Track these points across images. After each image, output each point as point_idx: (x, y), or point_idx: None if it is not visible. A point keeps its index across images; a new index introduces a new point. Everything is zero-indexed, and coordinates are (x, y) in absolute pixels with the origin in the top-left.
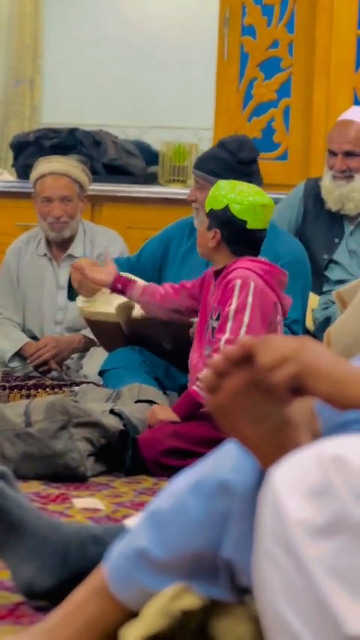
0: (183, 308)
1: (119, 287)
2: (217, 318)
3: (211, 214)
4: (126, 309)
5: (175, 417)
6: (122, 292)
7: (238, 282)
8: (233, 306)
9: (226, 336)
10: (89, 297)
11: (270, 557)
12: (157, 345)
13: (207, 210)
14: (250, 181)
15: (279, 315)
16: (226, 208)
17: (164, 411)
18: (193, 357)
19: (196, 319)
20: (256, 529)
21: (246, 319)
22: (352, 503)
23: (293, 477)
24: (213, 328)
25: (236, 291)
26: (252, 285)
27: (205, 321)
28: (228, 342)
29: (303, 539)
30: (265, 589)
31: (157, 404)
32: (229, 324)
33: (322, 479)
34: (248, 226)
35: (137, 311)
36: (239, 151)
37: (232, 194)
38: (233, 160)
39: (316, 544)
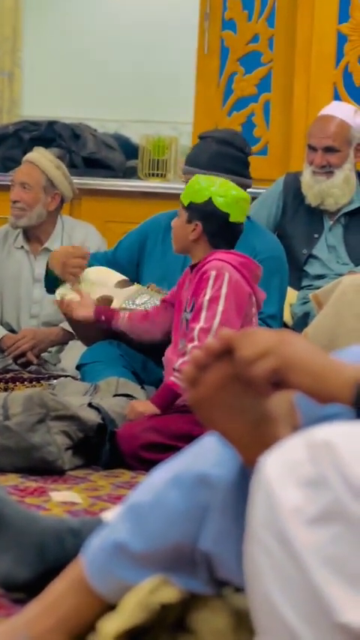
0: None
1: (103, 319)
2: (191, 310)
3: (192, 207)
4: (105, 301)
5: (154, 410)
6: (107, 322)
7: (213, 272)
8: (207, 296)
9: (200, 324)
10: (78, 267)
11: (262, 545)
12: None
13: (185, 204)
14: (249, 175)
15: (254, 307)
16: (209, 201)
17: (143, 404)
18: (168, 351)
19: None
20: (247, 518)
21: (220, 308)
22: (344, 491)
23: (285, 466)
24: (187, 320)
25: (210, 282)
26: (226, 275)
27: (179, 316)
28: (202, 330)
29: (296, 527)
30: (258, 578)
31: (135, 398)
32: (203, 314)
33: (314, 467)
34: (231, 219)
35: (116, 305)
36: (245, 146)
37: (214, 187)
38: (243, 155)
39: (310, 533)
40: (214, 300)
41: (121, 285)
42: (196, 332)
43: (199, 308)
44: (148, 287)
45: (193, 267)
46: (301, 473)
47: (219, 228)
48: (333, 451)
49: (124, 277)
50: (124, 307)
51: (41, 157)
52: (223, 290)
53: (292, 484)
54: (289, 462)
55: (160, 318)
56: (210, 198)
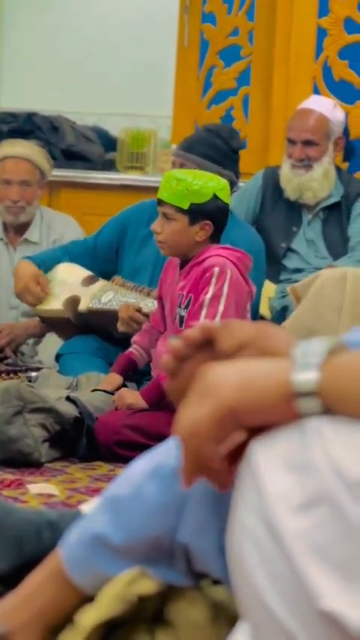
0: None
1: (128, 372)
2: (187, 307)
3: (195, 209)
4: (73, 302)
5: (143, 404)
6: (135, 369)
7: (216, 270)
8: (209, 294)
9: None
10: (33, 303)
11: (248, 531)
12: (107, 333)
13: (186, 207)
14: (236, 170)
15: (249, 302)
16: (214, 197)
17: (133, 396)
18: (159, 344)
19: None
20: (232, 504)
21: (221, 307)
22: (332, 478)
23: (273, 451)
24: (181, 317)
25: (214, 279)
26: (229, 273)
27: (171, 311)
28: None
29: (282, 513)
30: (242, 563)
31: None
32: (203, 312)
33: (302, 453)
34: (229, 208)
35: (83, 305)
36: (231, 139)
37: (211, 182)
38: (227, 147)
39: (296, 519)
40: (215, 298)
41: (87, 282)
42: None
43: (199, 305)
44: (112, 281)
45: (182, 262)
46: (289, 459)
47: (224, 221)
48: (322, 437)
49: (89, 273)
50: (91, 307)
51: (31, 151)
52: (225, 288)
53: (279, 470)
54: (277, 448)
55: (155, 322)
56: (214, 195)
